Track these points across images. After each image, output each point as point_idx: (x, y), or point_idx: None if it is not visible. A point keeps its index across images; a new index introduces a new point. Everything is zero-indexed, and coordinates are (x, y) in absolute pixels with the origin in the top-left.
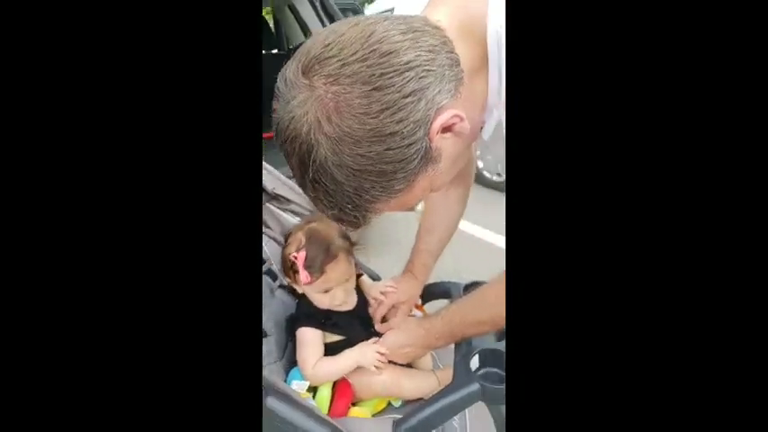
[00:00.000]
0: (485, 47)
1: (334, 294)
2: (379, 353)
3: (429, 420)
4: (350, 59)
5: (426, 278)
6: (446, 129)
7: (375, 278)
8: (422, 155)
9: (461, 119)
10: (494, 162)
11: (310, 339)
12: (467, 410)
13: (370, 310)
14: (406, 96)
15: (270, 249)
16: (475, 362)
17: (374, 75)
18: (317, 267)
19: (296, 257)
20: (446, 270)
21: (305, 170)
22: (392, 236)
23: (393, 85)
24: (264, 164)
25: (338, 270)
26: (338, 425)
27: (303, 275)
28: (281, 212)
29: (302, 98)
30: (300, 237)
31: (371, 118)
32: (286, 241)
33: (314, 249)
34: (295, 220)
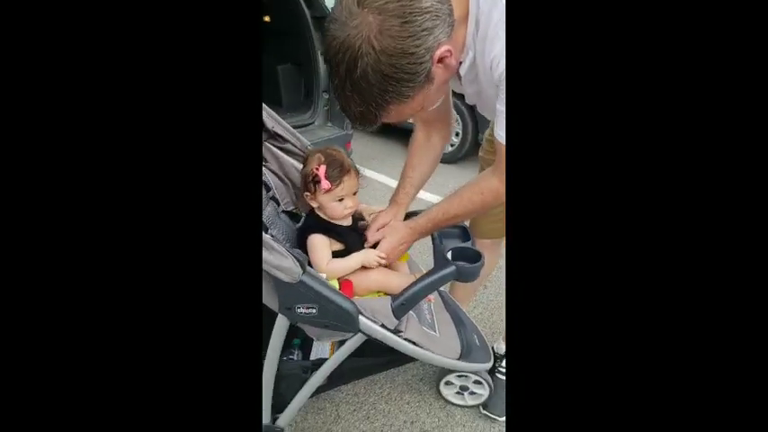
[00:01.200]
0: (467, 4)
1: (345, 203)
2: (378, 256)
3: (417, 293)
4: None
5: (407, 205)
6: (441, 59)
7: None
8: (425, 73)
9: (451, 53)
10: None
11: (320, 243)
12: (434, 311)
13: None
14: (423, 30)
15: (273, 180)
16: (450, 254)
17: (405, 12)
18: (335, 177)
19: (318, 169)
20: None
21: (350, 74)
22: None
23: (416, 21)
24: (265, 106)
25: (350, 182)
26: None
27: (325, 183)
28: (278, 151)
29: (358, 21)
30: (319, 156)
31: (401, 41)
32: (304, 163)
33: (333, 164)
34: (289, 158)
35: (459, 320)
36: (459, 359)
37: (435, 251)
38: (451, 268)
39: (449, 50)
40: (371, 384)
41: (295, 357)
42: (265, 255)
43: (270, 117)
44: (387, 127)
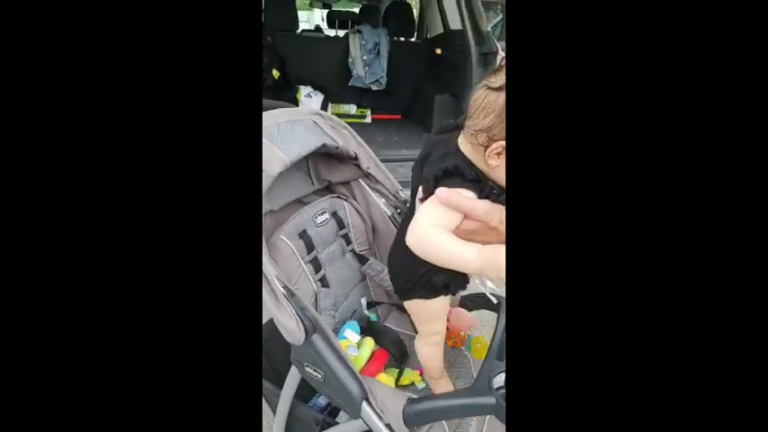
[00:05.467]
0: None
1: None
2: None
3: (437, 412)
4: None
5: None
6: None
7: None
8: None
9: None
10: None
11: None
12: (487, 423)
13: None
14: None
15: (351, 218)
16: (500, 380)
17: None
18: None
19: None
20: None
21: None
22: None
23: None
24: (362, 142)
25: None
26: (363, 380)
27: None
28: (369, 190)
29: None
30: None
31: None
32: None
33: None
34: (380, 200)
35: None
36: None
37: (484, 364)
38: (489, 401)
39: None
40: None
41: (320, 402)
42: (273, 309)
43: (367, 157)
44: None
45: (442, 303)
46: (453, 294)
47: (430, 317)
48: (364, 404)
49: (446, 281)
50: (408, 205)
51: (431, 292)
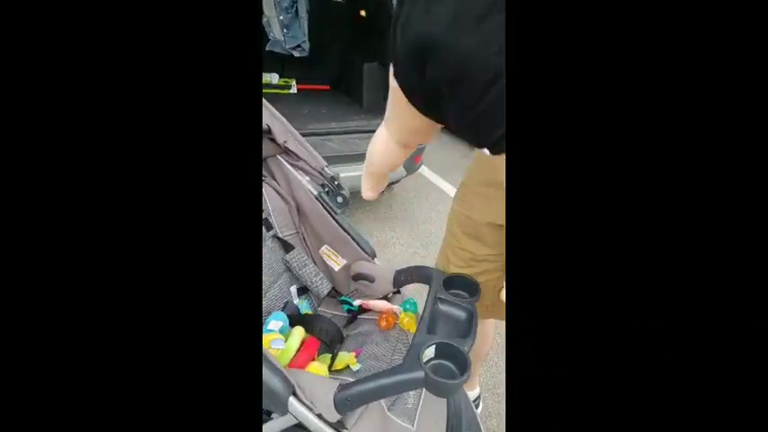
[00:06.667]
0: None
1: None
2: None
3: (369, 393)
4: None
5: None
6: None
7: None
8: None
9: None
10: None
11: None
12: (424, 392)
13: None
14: None
15: (270, 201)
16: (430, 352)
17: None
18: None
19: None
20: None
21: None
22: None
23: None
24: (276, 113)
25: None
26: (289, 376)
27: None
28: (290, 167)
29: None
30: None
31: None
32: None
33: None
34: (303, 178)
35: (455, 414)
36: None
37: (414, 338)
38: (419, 375)
39: None
40: None
41: None
42: None
43: (283, 131)
44: None
45: None
46: None
47: None
48: (291, 399)
49: None
50: None
51: None
